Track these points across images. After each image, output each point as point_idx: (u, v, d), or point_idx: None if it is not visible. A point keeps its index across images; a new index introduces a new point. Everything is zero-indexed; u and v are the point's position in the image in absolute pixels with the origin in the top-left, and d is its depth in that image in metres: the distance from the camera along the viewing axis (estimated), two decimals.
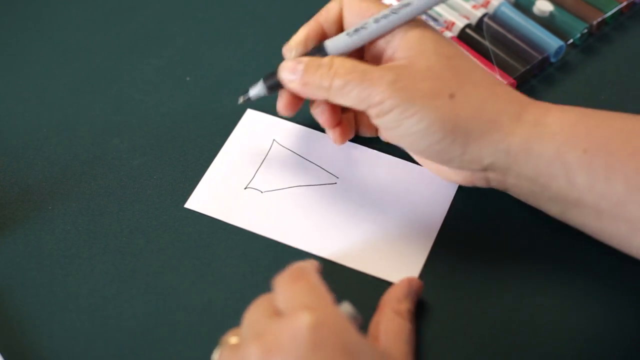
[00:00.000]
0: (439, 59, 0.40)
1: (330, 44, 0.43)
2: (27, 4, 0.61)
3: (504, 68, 0.51)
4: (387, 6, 0.42)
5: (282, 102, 0.46)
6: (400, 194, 0.46)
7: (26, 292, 0.44)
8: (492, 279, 0.43)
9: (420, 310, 0.41)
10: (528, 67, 0.51)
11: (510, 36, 0.53)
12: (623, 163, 0.37)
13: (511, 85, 0.50)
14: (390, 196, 0.46)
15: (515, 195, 0.42)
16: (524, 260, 0.43)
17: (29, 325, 0.42)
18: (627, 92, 0.52)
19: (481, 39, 0.53)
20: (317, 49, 0.43)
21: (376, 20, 0.41)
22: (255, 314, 0.36)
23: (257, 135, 0.50)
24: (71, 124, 0.52)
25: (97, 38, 0.58)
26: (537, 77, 0.53)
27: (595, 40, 0.55)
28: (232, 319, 0.42)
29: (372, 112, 0.40)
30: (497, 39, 0.53)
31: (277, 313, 0.35)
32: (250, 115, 0.51)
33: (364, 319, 0.37)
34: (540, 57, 0.52)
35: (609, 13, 0.55)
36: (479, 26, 0.54)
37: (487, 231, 0.45)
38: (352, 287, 0.43)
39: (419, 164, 0.47)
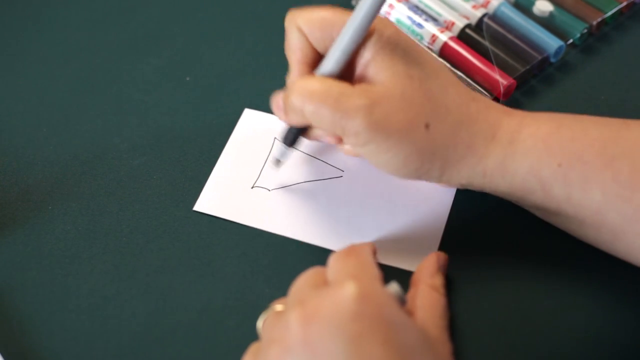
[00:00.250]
0: (411, 82, 0.39)
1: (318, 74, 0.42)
2: (27, 4, 0.61)
3: (504, 68, 0.51)
4: (334, 9, 0.40)
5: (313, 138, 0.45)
6: (407, 181, 0.46)
7: (26, 292, 0.44)
8: (492, 279, 0.43)
9: None
10: (528, 67, 0.51)
11: (510, 36, 0.53)
12: (599, 172, 0.38)
13: (511, 85, 0.50)
14: (398, 184, 0.46)
15: None
16: (524, 260, 0.43)
17: (29, 325, 0.42)
18: (627, 92, 0.52)
19: (481, 39, 0.53)
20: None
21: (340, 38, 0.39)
22: (301, 283, 0.37)
23: (257, 134, 0.50)
24: (71, 124, 0.52)
25: (97, 38, 0.58)
26: (537, 77, 0.53)
27: (595, 40, 0.55)
28: (232, 319, 0.42)
29: (349, 142, 0.40)
30: (497, 39, 0.53)
31: (324, 283, 0.36)
32: (249, 114, 0.51)
33: None
34: (540, 57, 0.52)
35: (609, 13, 0.55)
36: (478, 26, 0.54)
37: (488, 227, 0.45)
38: None
39: None
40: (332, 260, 0.38)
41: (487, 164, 0.40)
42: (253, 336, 0.39)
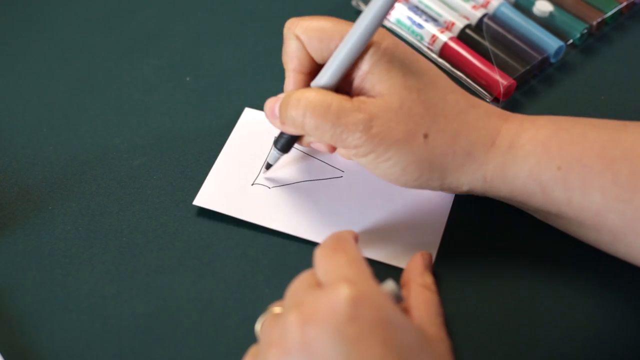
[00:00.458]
0: (409, 93, 0.39)
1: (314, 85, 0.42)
2: (27, 4, 0.61)
3: (504, 68, 0.51)
4: (332, 19, 0.41)
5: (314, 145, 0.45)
6: None
7: (26, 292, 0.44)
8: (492, 279, 0.42)
9: None
10: (528, 67, 0.51)
11: (510, 36, 0.53)
12: (598, 175, 0.38)
13: (511, 85, 0.50)
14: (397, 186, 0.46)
15: None
16: (524, 260, 0.43)
17: (29, 325, 0.42)
18: (627, 92, 0.52)
19: (481, 39, 0.53)
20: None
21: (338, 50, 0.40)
22: (297, 284, 0.36)
23: (257, 133, 0.50)
24: (71, 124, 0.52)
25: (97, 38, 0.58)
26: (537, 78, 0.53)
27: (595, 40, 0.55)
28: (232, 319, 0.42)
29: (349, 153, 0.41)
30: (497, 39, 0.53)
31: (318, 284, 0.36)
32: (249, 113, 0.51)
33: None
34: (540, 58, 0.52)
35: (609, 13, 0.55)
36: (478, 26, 0.54)
37: (488, 227, 0.45)
38: None
39: None
40: (318, 257, 0.37)
41: (487, 170, 0.40)
42: (253, 336, 0.39)
